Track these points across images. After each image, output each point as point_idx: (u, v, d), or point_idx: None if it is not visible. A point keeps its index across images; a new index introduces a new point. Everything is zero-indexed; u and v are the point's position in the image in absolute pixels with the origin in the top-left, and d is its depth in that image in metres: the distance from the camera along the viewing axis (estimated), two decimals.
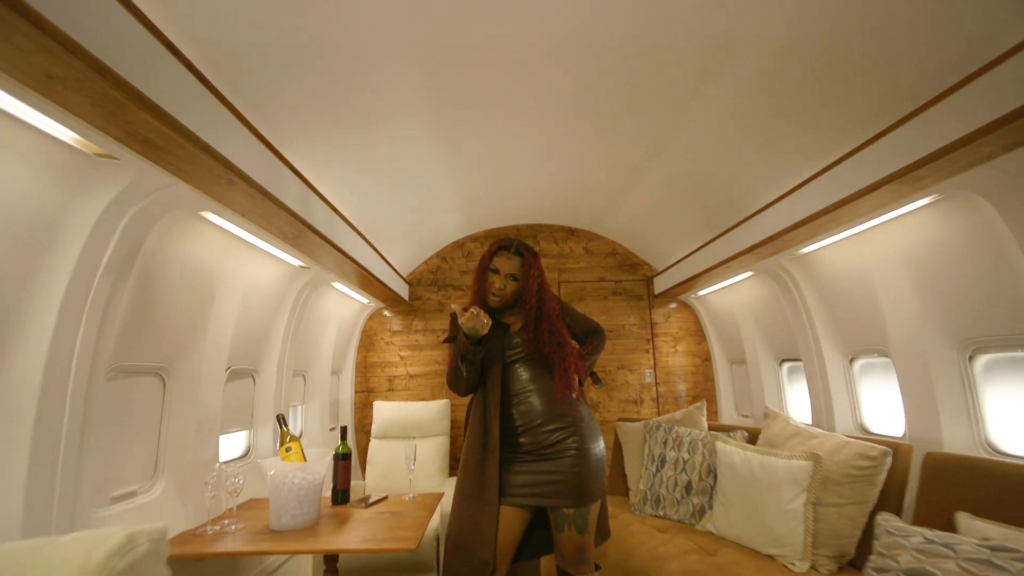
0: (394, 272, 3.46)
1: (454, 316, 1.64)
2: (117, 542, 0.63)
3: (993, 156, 1.33)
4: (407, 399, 3.73)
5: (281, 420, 1.92)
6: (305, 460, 1.83)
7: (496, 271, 1.67)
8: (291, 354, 2.62)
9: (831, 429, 2.44)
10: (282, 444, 1.84)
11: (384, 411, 3.32)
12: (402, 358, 3.85)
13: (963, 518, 1.40)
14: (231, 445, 2.25)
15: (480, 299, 1.70)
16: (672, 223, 3.25)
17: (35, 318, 1.19)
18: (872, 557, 1.26)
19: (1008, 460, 1.53)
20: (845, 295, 2.33)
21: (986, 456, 1.69)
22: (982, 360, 1.80)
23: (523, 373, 1.65)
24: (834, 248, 2.25)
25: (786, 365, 3.03)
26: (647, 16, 1.53)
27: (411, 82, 1.84)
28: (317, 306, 2.93)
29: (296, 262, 2.35)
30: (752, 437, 2.36)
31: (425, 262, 3.95)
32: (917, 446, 1.84)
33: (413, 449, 2.07)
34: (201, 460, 1.87)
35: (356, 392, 3.77)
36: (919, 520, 1.58)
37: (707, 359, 3.85)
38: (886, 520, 1.37)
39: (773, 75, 1.70)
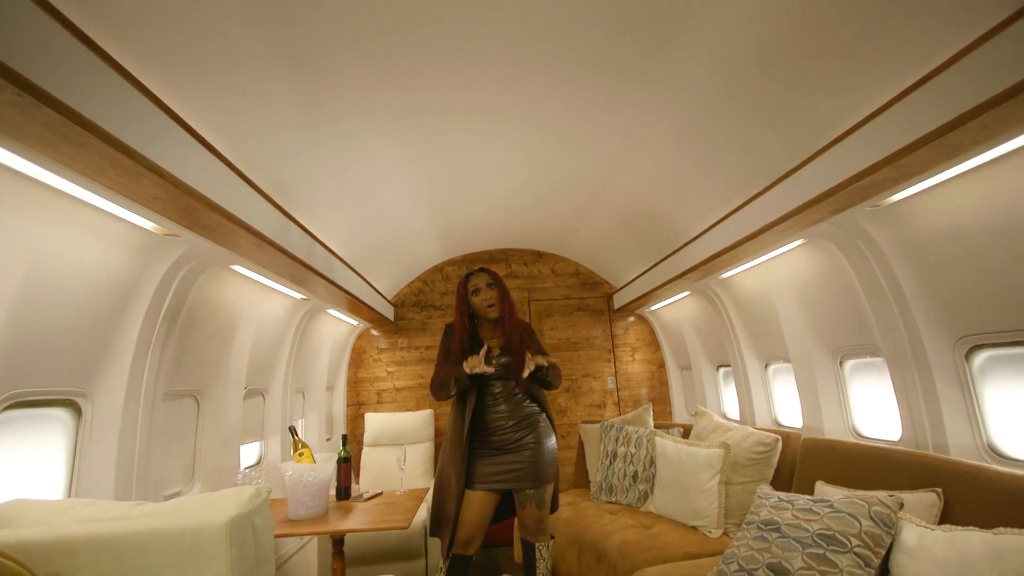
0: (380, 296, 3.87)
1: (448, 328, 2.13)
2: (252, 491, 1.07)
3: (823, 219, 1.84)
4: (394, 410, 4.13)
5: (293, 431, 2.32)
6: (315, 463, 2.23)
7: (476, 291, 2.13)
8: (293, 374, 3.01)
9: (752, 424, 2.93)
10: (295, 450, 2.23)
11: (375, 422, 3.71)
12: (389, 373, 4.24)
13: (819, 485, 1.88)
14: (247, 454, 2.62)
15: (468, 327, 2.14)
16: (624, 247, 3.74)
17: (119, 354, 1.59)
18: (747, 515, 1.72)
19: (861, 442, 2.03)
20: (757, 311, 2.83)
21: (849, 440, 2.19)
22: (849, 364, 2.31)
23: (496, 386, 2.09)
24: (747, 274, 2.75)
25: (722, 370, 3.53)
26: (598, 32, 1.64)
27: (385, 126, 2.13)
28: (314, 330, 3.32)
29: (298, 295, 2.75)
30: (686, 432, 2.84)
31: (408, 285, 4.37)
32: (805, 434, 2.33)
33: (403, 452, 2.48)
34: (226, 466, 2.25)
35: (348, 405, 4.15)
36: (796, 489, 2.07)
37: (661, 366, 4.34)
38: (761, 490, 1.85)
39: (706, 113, 1.96)
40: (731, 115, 1.92)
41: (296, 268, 2.20)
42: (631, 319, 4.43)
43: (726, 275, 2.86)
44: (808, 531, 1.46)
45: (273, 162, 1.98)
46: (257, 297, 2.43)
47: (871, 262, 1.89)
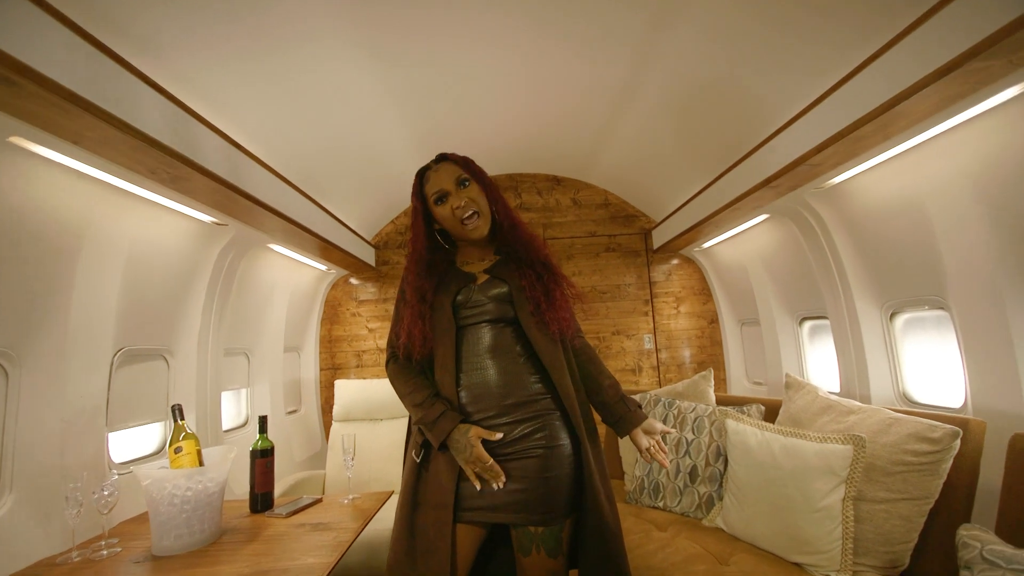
0: (354, 234, 3.02)
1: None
2: None
3: None
4: (379, 375, 3.35)
5: (177, 412, 1.51)
6: (201, 463, 1.44)
7: (441, 196, 1.24)
8: (218, 330, 2.21)
9: (865, 400, 2.02)
10: (172, 443, 1.44)
11: (345, 391, 2.93)
12: (371, 330, 3.44)
13: None
14: (136, 441, 1.86)
15: (429, 249, 1.27)
16: (670, 160, 2.76)
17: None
18: None
19: None
20: (886, 234, 1.86)
21: None
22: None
23: (484, 337, 1.21)
24: (873, 174, 1.77)
25: (807, 324, 2.59)
26: None
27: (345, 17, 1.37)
28: (254, 274, 2.50)
29: (205, 217, 1.90)
30: (770, 412, 1.95)
31: (392, 222, 3.50)
32: (991, 423, 1.41)
33: (352, 440, 1.67)
34: (73, 466, 1.47)
35: (321, 370, 3.39)
36: (1005, 529, 1.17)
37: (714, 321, 3.42)
38: (976, 537, 0.96)
39: None
40: None
41: (147, 151, 1.33)
42: (675, 261, 3.48)
43: (836, 180, 1.88)
44: None
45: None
46: (120, 213, 1.59)
47: None
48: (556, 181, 3.48)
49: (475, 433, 1.11)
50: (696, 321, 3.43)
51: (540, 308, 1.18)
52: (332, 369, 3.42)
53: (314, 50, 1.79)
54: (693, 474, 1.90)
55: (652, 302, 3.44)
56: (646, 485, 2.03)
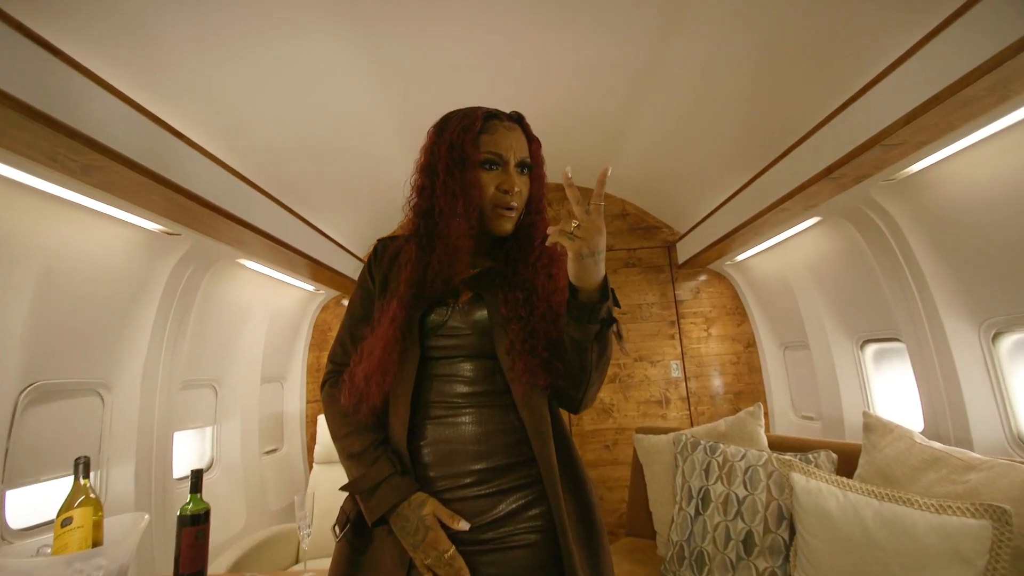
0: (342, 249, 2.71)
1: (377, 253, 0.99)
2: None
3: None
4: None
5: (80, 468, 1.17)
6: (100, 540, 1.08)
7: (496, 162, 0.86)
8: (174, 358, 1.89)
9: (963, 444, 1.59)
10: (60, 513, 1.09)
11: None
12: None
13: None
14: (51, 500, 1.51)
15: (458, 220, 0.85)
16: (697, 158, 2.41)
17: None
18: None
19: None
20: (984, 233, 1.47)
21: None
22: None
23: (461, 375, 0.86)
24: (972, 155, 1.39)
25: (871, 347, 2.17)
26: None
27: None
28: (223, 293, 2.19)
29: (151, 225, 1.60)
30: (845, 461, 1.53)
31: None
32: None
33: (304, 501, 1.30)
34: None
35: (308, 402, 3.04)
36: None
37: (751, 344, 3.00)
38: None
39: None
40: None
41: (75, 149, 1.03)
42: (703, 278, 3.10)
43: (916, 167, 1.51)
44: None
45: None
46: (24, 214, 1.29)
47: None
48: None
49: (432, 510, 0.75)
50: (730, 345, 3.02)
51: (515, 346, 0.82)
52: (321, 401, 3.06)
53: (282, 28, 1.51)
54: (748, 543, 1.48)
55: (679, 323, 3.04)
56: (686, 553, 1.61)
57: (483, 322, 0.86)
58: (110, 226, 1.52)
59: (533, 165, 0.91)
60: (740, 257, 2.74)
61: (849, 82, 1.45)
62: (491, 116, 0.89)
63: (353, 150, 2.26)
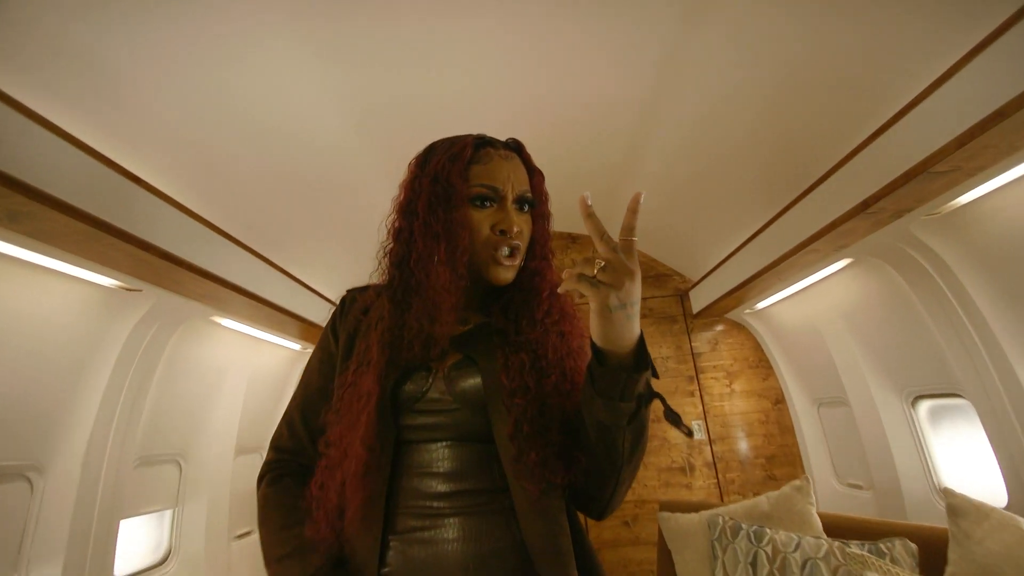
0: (328, 303, 2.52)
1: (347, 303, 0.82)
2: None
3: None
4: None
5: None
6: None
7: (492, 198, 0.69)
8: (129, 431, 1.65)
9: None
10: None
11: None
12: None
13: None
14: None
15: (441, 266, 0.67)
16: (710, 199, 2.26)
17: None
18: None
19: None
20: None
21: None
22: None
23: (440, 464, 0.64)
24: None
25: (925, 404, 1.90)
26: None
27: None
28: (194, 353, 1.98)
29: (106, 280, 1.42)
30: (927, 549, 1.24)
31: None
32: None
33: None
34: None
35: None
36: None
37: (780, 401, 2.72)
38: None
39: None
40: None
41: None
42: (720, 328, 2.87)
43: (965, 199, 1.33)
44: None
45: None
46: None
47: None
48: (572, 239, 3.00)
49: None
50: (756, 402, 2.74)
51: (521, 428, 0.61)
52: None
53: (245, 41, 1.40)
54: None
55: (698, 379, 2.78)
56: None
57: (475, 393, 0.65)
58: (52, 281, 1.34)
59: (536, 201, 0.73)
60: (760, 305, 2.52)
61: (888, 102, 1.30)
62: (484, 143, 0.72)
63: (335, 183, 2.11)
